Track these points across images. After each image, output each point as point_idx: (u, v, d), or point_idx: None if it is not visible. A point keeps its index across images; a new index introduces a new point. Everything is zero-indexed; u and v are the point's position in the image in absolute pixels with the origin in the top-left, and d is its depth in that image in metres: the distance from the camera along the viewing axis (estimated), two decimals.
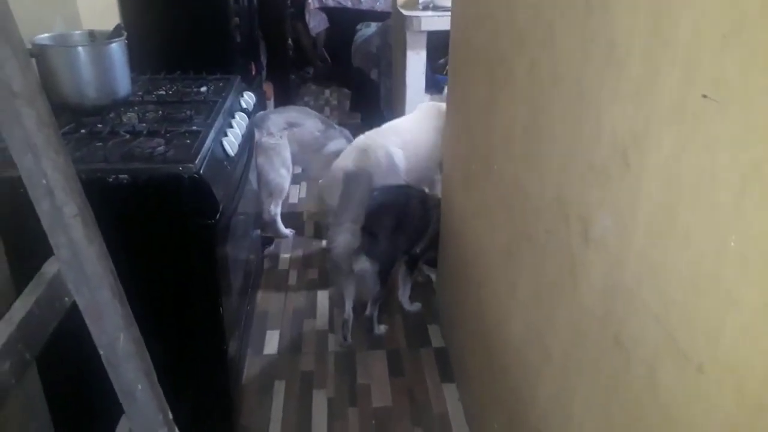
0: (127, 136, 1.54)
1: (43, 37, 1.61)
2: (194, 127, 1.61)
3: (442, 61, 3.83)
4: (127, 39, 1.69)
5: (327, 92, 5.30)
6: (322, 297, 2.48)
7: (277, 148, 2.77)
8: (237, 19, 2.83)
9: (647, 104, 0.73)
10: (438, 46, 3.38)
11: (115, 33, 1.70)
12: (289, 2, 4.79)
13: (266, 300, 2.44)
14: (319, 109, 4.54)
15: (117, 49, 1.65)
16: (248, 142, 1.98)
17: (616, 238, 0.82)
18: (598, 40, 0.86)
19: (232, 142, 1.70)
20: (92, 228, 0.82)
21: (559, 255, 1.02)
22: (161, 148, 1.46)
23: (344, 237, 2.03)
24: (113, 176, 1.36)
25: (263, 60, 3.93)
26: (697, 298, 0.64)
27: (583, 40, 0.92)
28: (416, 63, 3.23)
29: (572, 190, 0.97)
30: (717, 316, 0.61)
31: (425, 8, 3.18)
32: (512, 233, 1.32)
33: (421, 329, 2.28)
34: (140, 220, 1.41)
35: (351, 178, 2.21)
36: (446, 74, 2.77)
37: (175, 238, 1.45)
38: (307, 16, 5.22)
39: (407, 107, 3.26)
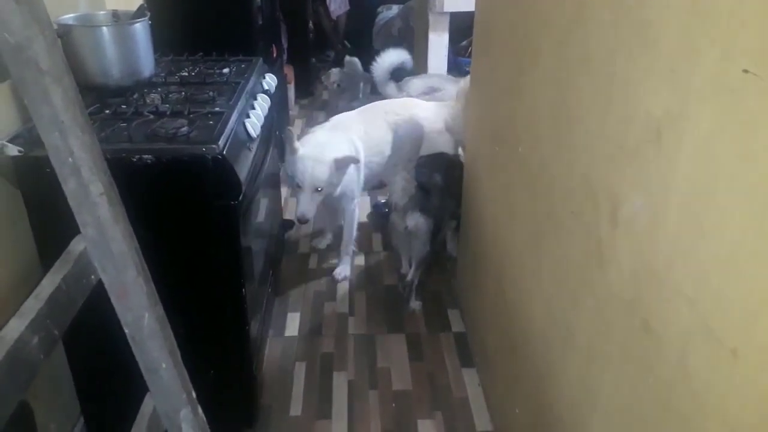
0: (151, 116, 1.54)
1: (68, 17, 1.61)
2: (217, 109, 1.61)
3: (464, 43, 3.79)
4: (150, 20, 1.69)
5: None
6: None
7: None
8: (259, 1, 2.82)
9: (683, 81, 0.71)
10: (460, 27, 3.34)
11: (139, 13, 1.70)
12: None
13: (287, 283, 2.45)
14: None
15: (140, 30, 1.65)
16: (270, 123, 1.97)
17: (647, 220, 0.80)
18: (631, 17, 0.83)
19: (254, 124, 1.70)
20: (118, 207, 0.83)
21: (586, 237, 1.01)
22: (185, 129, 1.46)
23: (400, 184, 2.17)
24: (137, 156, 1.37)
25: (284, 43, 3.92)
26: (733, 281, 0.62)
27: (614, 18, 0.89)
28: (438, 45, 3.19)
29: (601, 171, 0.95)
30: (755, 299, 0.59)
31: None
32: (536, 215, 1.30)
33: (440, 313, 2.28)
34: (164, 201, 1.42)
35: (400, 127, 2.40)
36: (469, 56, 2.73)
37: (198, 219, 1.45)
38: None
39: None
